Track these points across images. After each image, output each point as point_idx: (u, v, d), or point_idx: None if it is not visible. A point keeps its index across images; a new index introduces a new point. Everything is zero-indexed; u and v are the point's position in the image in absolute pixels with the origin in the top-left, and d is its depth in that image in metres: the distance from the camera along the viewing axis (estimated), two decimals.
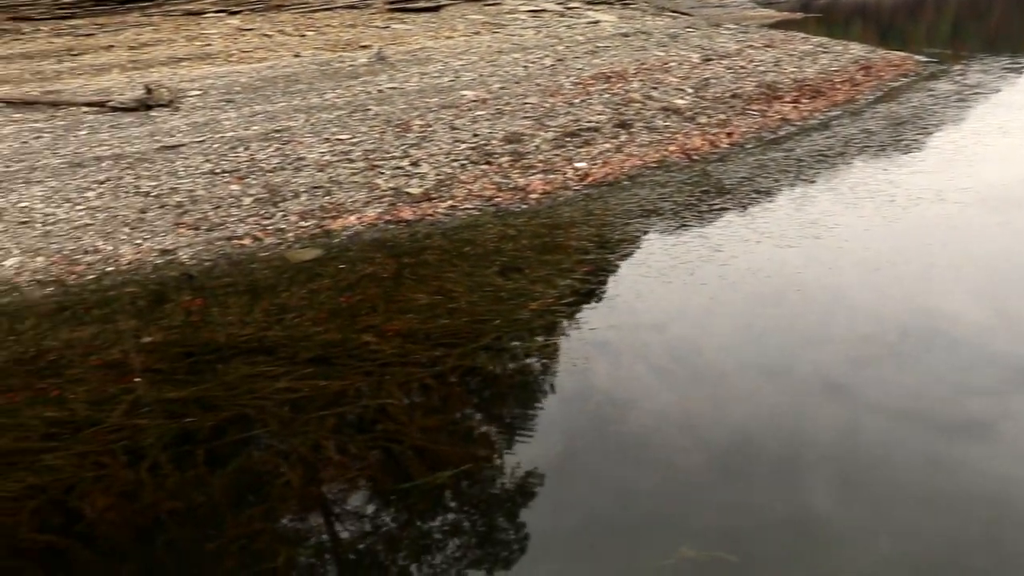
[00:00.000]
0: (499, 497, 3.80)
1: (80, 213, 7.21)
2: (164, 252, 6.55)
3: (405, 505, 3.76)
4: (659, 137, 9.41)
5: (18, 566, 3.53)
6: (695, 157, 8.90)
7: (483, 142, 8.70)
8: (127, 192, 7.59)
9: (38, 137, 9.30)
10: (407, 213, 7.01)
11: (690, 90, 11.21)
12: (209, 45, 15.04)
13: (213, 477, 3.97)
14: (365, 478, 3.87)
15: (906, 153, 9.31)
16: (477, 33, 16.00)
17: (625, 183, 8.09)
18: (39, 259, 6.49)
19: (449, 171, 7.91)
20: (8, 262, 6.46)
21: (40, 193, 7.60)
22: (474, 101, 10.18)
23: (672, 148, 9.09)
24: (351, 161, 8.11)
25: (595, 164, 8.44)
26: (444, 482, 3.85)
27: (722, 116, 10.32)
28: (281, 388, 4.52)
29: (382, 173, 7.80)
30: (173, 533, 3.69)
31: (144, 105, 10.42)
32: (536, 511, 3.69)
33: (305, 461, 4.00)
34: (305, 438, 4.13)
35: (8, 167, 8.28)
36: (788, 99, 11.40)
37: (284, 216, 7.01)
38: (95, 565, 3.54)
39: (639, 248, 6.62)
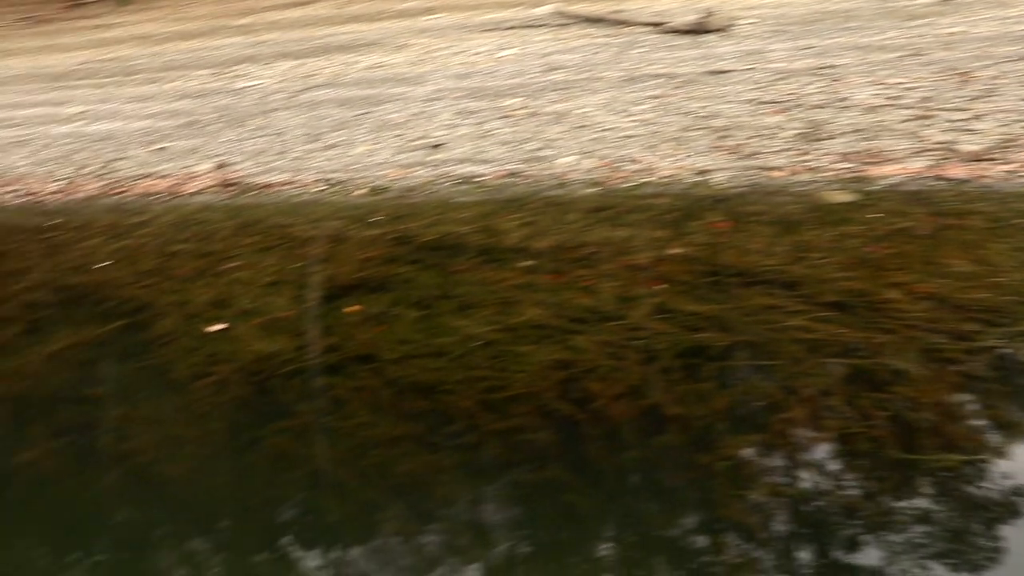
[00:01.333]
0: (993, 499, 3.44)
1: (629, 124, 7.74)
2: (699, 172, 6.78)
3: (902, 477, 3.56)
4: None
5: (541, 424, 4.02)
6: None
7: None
8: (672, 110, 7.96)
9: (601, 51, 10.09)
10: (956, 171, 6.42)
11: None
12: None
13: (716, 395, 4.11)
14: (866, 438, 3.72)
15: None
16: None
17: None
18: (588, 161, 7.12)
19: (1014, 131, 7.06)
20: (562, 160, 7.19)
21: (597, 102, 8.29)
22: None
23: None
24: (900, 108, 7.61)
25: None
26: (950, 465, 3.57)
27: None
28: (796, 325, 4.49)
29: (934, 124, 7.21)
30: (667, 437, 3.89)
31: (698, 29, 10.76)
32: None
33: (810, 403, 3.96)
34: (813, 380, 4.08)
35: (576, 76, 9.14)
36: None
37: (822, 154, 6.84)
38: (599, 443, 3.89)
39: None
